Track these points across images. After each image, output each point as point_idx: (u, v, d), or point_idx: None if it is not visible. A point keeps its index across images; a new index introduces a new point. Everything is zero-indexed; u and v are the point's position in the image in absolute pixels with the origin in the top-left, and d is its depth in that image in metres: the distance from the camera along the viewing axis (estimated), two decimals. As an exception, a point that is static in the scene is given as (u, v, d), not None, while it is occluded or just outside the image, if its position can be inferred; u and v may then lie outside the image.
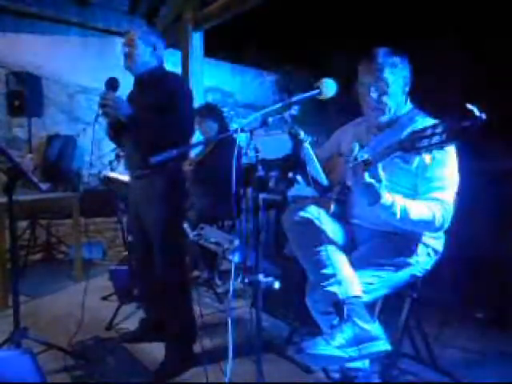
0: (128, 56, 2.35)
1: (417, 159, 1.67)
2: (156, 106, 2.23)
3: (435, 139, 1.31)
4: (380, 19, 4.75)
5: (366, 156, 1.52)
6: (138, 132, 2.28)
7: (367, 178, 1.52)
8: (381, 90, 1.77)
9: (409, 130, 1.69)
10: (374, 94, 1.78)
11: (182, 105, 2.26)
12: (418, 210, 1.61)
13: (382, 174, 1.54)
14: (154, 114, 2.22)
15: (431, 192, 1.67)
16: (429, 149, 1.35)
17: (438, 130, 1.30)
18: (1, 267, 3.22)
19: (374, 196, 1.55)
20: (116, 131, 2.42)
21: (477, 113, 1.20)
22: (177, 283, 2.35)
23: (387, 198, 1.57)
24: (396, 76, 1.75)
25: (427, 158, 1.62)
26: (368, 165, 1.51)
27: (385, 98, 1.78)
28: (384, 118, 1.82)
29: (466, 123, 1.22)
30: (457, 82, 4.30)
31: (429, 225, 1.63)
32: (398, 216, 1.59)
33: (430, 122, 1.69)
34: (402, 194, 1.68)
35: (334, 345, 1.49)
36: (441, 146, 1.32)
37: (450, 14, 4.46)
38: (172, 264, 2.33)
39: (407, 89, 1.82)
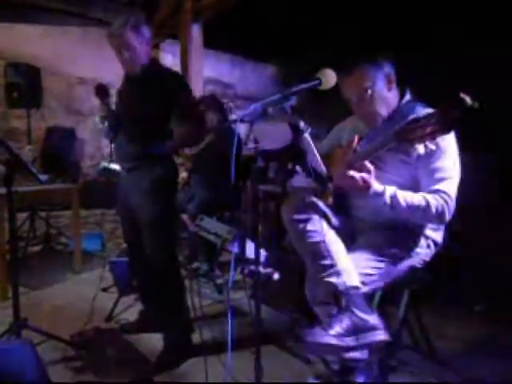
0: (128, 62, 2.23)
1: (417, 151, 1.66)
2: (152, 105, 2.21)
3: (428, 129, 1.32)
4: (379, 14, 4.73)
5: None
6: (135, 127, 2.28)
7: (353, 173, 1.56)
8: (365, 101, 1.78)
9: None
10: (360, 110, 1.82)
11: (182, 102, 2.24)
12: (410, 198, 1.61)
13: (369, 165, 1.57)
14: (151, 113, 2.22)
15: (432, 184, 1.66)
16: (422, 139, 1.36)
17: (431, 121, 1.30)
18: (0, 259, 3.23)
19: (363, 186, 1.57)
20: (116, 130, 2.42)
21: (469, 101, 1.20)
22: (169, 274, 2.35)
23: (377, 186, 1.58)
24: (375, 80, 1.76)
25: (422, 148, 1.62)
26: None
27: (373, 107, 1.79)
28: (379, 123, 1.82)
29: (458, 112, 1.22)
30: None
31: (425, 214, 1.62)
32: (389, 203, 1.60)
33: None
34: (402, 186, 1.68)
35: (332, 334, 1.49)
36: (433, 136, 1.32)
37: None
38: (164, 256, 2.33)
39: (392, 85, 1.81)
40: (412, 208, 1.61)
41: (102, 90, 2.32)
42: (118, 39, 2.19)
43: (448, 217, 1.64)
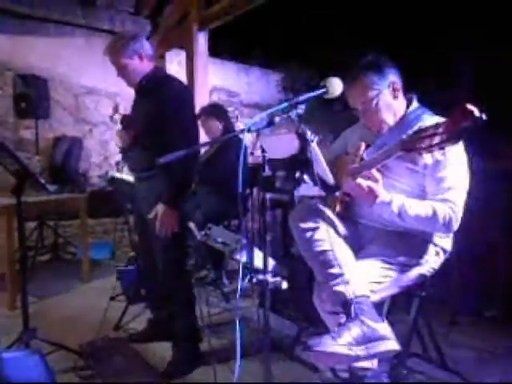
0: (123, 78, 2.33)
1: (424, 160, 1.66)
2: (155, 114, 2.21)
3: (436, 139, 1.32)
4: (384, 18, 4.74)
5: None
6: (144, 138, 2.30)
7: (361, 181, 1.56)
8: (370, 110, 1.77)
9: (415, 128, 1.69)
10: (366, 119, 1.82)
11: (181, 111, 2.23)
12: (418, 207, 1.61)
13: (377, 174, 1.57)
14: (155, 123, 2.23)
15: (439, 193, 1.65)
16: (430, 149, 1.35)
17: (439, 131, 1.30)
18: (10, 268, 3.24)
19: (370, 195, 1.57)
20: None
21: (477, 113, 1.20)
22: (179, 284, 2.35)
23: (384, 196, 1.58)
24: (379, 89, 1.74)
25: (429, 157, 1.62)
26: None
27: (378, 116, 1.78)
28: (385, 131, 1.81)
29: (466, 123, 1.22)
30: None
31: (432, 223, 1.61)
32: (396, 213, 1.60)
33: (437, 120, 1.69)
34: (409, 194, 1.68)
35: (341, 343, 1.48)
36: (441, 146, 1.32)
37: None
38: (174, 266, 2.34)
39: (398, 93, 1.78)
40: (419, 217, 1.60)
41: (127, 121, 2.39)
42: (109, 59, 2.30)
43: (455, 226, 1.64)
